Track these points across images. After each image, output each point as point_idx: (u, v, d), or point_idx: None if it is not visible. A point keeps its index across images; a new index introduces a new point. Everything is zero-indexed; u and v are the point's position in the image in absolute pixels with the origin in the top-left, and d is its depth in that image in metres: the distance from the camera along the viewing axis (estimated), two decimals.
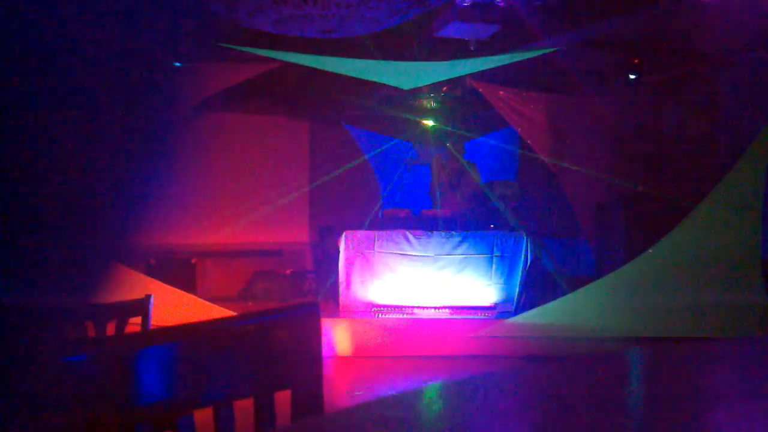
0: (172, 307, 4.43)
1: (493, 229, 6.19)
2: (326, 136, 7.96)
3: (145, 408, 0.92)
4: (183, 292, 5.10)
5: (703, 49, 5.86)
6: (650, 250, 4.93)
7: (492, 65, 6.05)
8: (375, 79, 6.24)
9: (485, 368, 4.52)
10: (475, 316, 5.51)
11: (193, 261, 7.02)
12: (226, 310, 4.84)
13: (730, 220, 4.83)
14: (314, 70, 5.96)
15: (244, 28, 4.88)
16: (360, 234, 5.84)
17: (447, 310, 5.66)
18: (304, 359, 1.03)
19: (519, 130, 7.34)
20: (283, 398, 1.00)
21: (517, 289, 5.73)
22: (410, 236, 5.81)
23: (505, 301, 5.71)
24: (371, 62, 5.68)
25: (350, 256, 5.76)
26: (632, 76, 6.64)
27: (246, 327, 1.03)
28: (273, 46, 5.43)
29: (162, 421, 0.94)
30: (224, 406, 0.96)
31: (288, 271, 7.18)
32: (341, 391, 4.36)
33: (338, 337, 5.04)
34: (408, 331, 5.19)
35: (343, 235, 5.80)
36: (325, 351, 4.83)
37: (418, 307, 5.68)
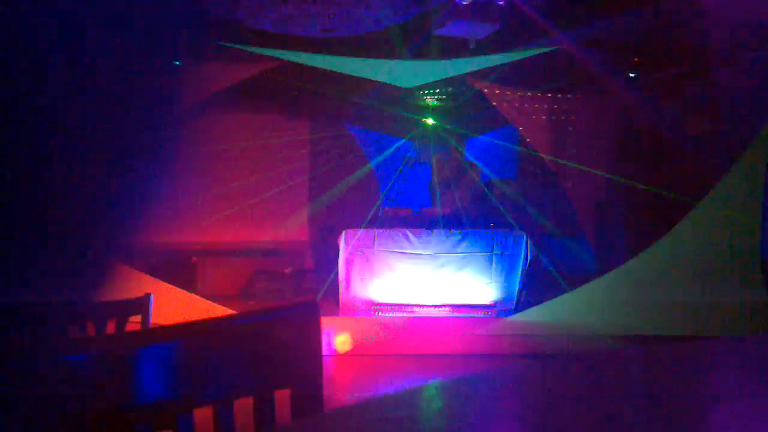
0: (172, 305, 4.43)
1: (493, 227, 6.18)
2: (326, 135, 7.96)
3: (145, 406, 0.92)
4: (183, 291, 5.10)
5: (703, 49, 5.86)
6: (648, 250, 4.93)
7: (491, 64, 6.05)
8: (375, 78, 6.24)
9: (485, 366, 4.52)
10: (475, 315, 5.51)
11: (193, 260, 7.02)
12: (226, 309, 4.84)
13: (730, 220, 4.83)
14: (314, 69, 5.96)
15: (245, 27, 4.88)
16: (360, 232, 5.84)
17: (447, 308, 5.67)
18: (304, 358, 1.03)
19: (519, 128, 7.34)
20: (282, 397, 1.00)
21: (517, 288, 5.73)
22: (410, 234, 5.81)
23: (505, 299, 5.71)
24: (371, 61, 5.68)
25: (350, 254, 5.76)
26: (632, 75, 6.64)
27: (246, 325, 1.03)
28: (273, 46, 5.43)
29: (162, 419, 0.94)
30: (224, 405, 0.96)
31: (288, 270, 7.18)
32: (341, 389, 4.36)
33: (338, 335, 5.04)
34: (408, 329, 5.20)
35: (343, 234, 5.80)
36: (324, 349, 4.83)
37: (418, 306, 5.68)
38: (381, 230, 5.91)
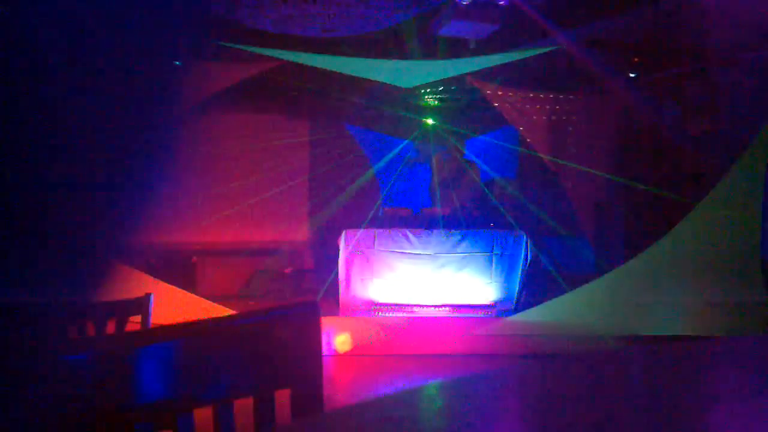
0: (172, 305, 4.43)
1: (492, 227, 6.18)
2: (326, 135, 7.96)
3: (145, 407, 0.92)
4: (183, 291, 5.10)
5: (703, 49, 5.86)
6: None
7: (492, 64, 6.05)
8: (375, 78, 6.24)
9: (485, 366, 4.52)
10: (475, 315, 5.51)
11: (193, 259, 7.02)
12: (226, 309, 4.85)
13: (730, 220, 4.83)
14: (314, 69, 5.96)
15: (245, 27, 4.88)
16: (360, 232, 5.84)
17: (447, 308, 5.67)
18: (304, 357, 1.03)
19: (519, 128, 7.35)
20: (282, 397, 1.00)
21: (517, 288, 5.73)
22: (410, 234, 5.81)
23: (505, 299, 5.71)
24: (371, 61, 5.68)
25: (350, 254, 5.76)
26: (632, 75, 6.64)
27: (246, 325, 1.03)
28: (273, 46, 5.43)
29: (162, 419, 0.94)
30: (224, 405, 0.96)
31: (288, 270, 7.18)
32: (341, 390, 4.36)
33: (338, 335, 5.04)
34: (408, 329, 5.20)
35: (343, 234, 5.80)
36: (324, 349, 4.84)
37: (418, 306, 5.68)
38: (381, 230, 5.91)
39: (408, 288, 5.71)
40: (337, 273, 5.81)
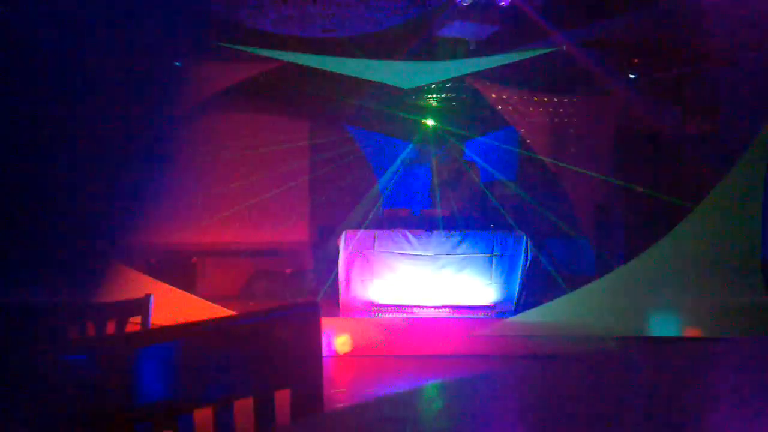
0: (172, 306, 4.43)
1: (492, 228, 6.18)
2: (326, 136, 7.96)
3: (145, 407, 0.92)
4: (183, 292, 5.10)
5: (703, 49, 5.86)
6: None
7: (492, 65, 6.05)
8: (375, 78, 6.24)
9: (485, 367, 4.52)
10: (475, 316, 5.51)
11: (193, 260, 7.02)
12: (226, 310, 4.84)
13: (730, 220, 4.83)
14: (314, 70, 5.96)
15: (245, 27, 4.89)
16: (360, 233, 5.84)
17: (447, 309, 5.66)
18: (304, 358, 1.03)
19: (520, 130, 7.34)
20: (282, 397, 1.00)
21: (517, 289, 5.73)
22: (410, 236, 5.81)
23: (505, 300, 5.71)
24: (371, 62, 5.68)
25: (350, 255, 5.76)
26: (632, 76, 6.64)
27: (246, 326, 1.03)
28: (273, 46, 5.44)
29: (162, 420, 0.94)
30: (224, 406, 0.96)
31: (288, 271, 7.18)
32: (341, 390, 4.35)
33: (338, 336, 5.04)
34: (408, 330, 5.19)
35: (343, 235, 5.80)
36: (324, 350, 4.84)
37: (418, 307, 5.68)
38: (381, 231, 5.91)
39: (408, 289, 5.71)
40: (337, 274, 5.81)
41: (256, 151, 7.35)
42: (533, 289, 5.88)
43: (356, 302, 5.70)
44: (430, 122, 8.09)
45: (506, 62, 5.91)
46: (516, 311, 5.52)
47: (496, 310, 5.64)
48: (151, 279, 4.90)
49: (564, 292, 5.23)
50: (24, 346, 0.93)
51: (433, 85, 7.19)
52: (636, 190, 6.35)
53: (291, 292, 6.78)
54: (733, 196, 4.80)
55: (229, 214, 6.94)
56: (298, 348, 1.03)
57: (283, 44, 5.55)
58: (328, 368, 4.70)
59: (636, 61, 6.49)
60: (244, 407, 0.99)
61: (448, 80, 6.88)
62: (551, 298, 5.21)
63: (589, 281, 5.19)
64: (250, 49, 5.38)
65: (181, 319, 1.03)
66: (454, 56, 5.87)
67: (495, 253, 5.76)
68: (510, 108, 7.14)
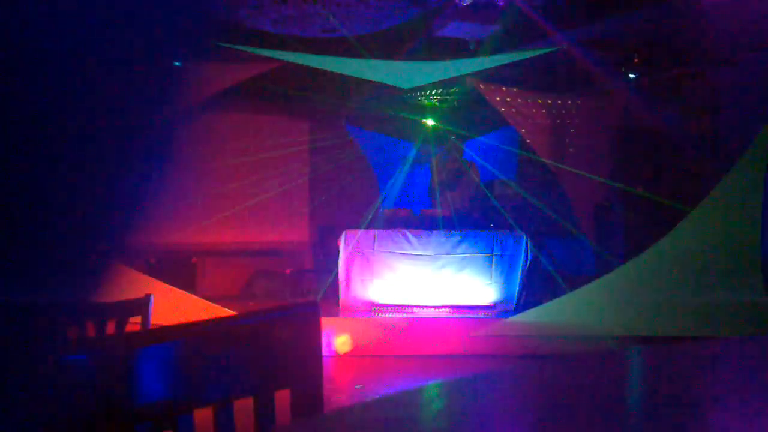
0: (172, 306, 4.43)
1: (492, 228, 6.18)
2: (326, 136, 7.96)
3: (145, 407, 0.92)
4: (183, 292, 5.10)
5: (703, 49, 5.86)
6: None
7: (491, 65, 6.05)
8: (375, 78, 6.24)
9: (485, 367, 4.51)
10: (475, 315, 5.51)
11: (193, 260, 7.02)
12: (226, 310, 4.85)
13: (730, 220, 4.83)
14: (314, 70, 5.96)
15: (245, 27, 4.88)
16: (360, 233, 5.84)
17: (447, 309, 5.67)
18: (304, 358, 1.03)
19: (520, 130, 7.34)
20: (282, 397, 1.00)
21: (517, 288, 5.73)
22: (410, 235, 5.81)
23: (505, 300, 5.71)
24: (371, 62, 5.68)
25: (350, 255, 5.76)
26: (632, 76, 6.64)
27: (246, 326, 1.03)
28: (273, 46, 5.44)
29: (162, 420, 0.94)
30: (224, 406, 0.96)
31: (288, 271, 7.18)
32: (341, 390, 4.36)
33: (338, 336, 5.04)
34: (408, 330, 5.19)
35: (343, 235, 5.80)
36: (324, 350, 4.84)
37: (418, 306, 5.68)
38: (381, 231, 5.91)
39: (408, 289, 5.71)
40: (337, 274, 5.81)
41: (256, 151, 7.35)
42: (533, 289, 5.88)
43: (356, 302, 5.70)
44: (430, 122, 8.09)
45: (506, 62, 5.91)
46: (516, 311, 5.51)
47: (496, 310, 5.64)
48: (151, 279, 4.91)
49: (564, 292, 5.23)
50: (24, 346, 0.93)
51: (432, 85, 7.18)
52: (636, 190, 6.35)
53: (291, 292, 6.78)
54: (733, 196, 4.79)
55: (229, 214, 6.94)
56: (298, 348, 1.03)
57: (283, 44, 5.55)
58: (328, 368, 4.70)
59: (636, 61, 6.48)
60: (244, 407, 0.99)
61: (448, 80, 6.88)
62: (551, 298, 5.21)
63: (589, 281, 5.19)
64: (250, 49, 5.38)
65: (181, 319, 1.03)
66: (453, 56, 5.86)
67: (495, 253, 5.76)
68: (510, 108, 7.14)
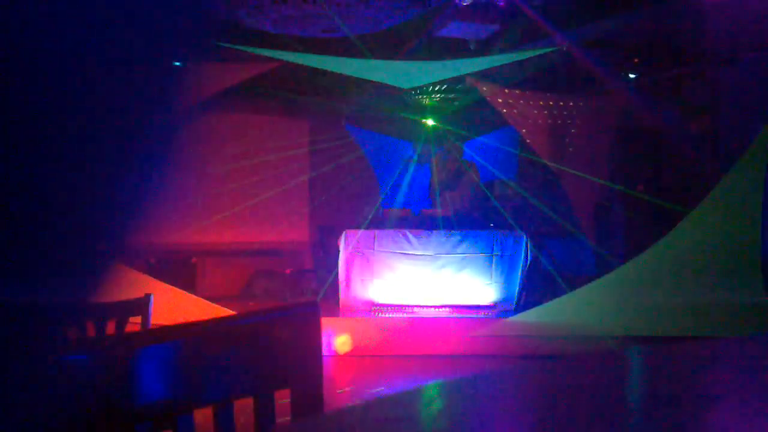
0: (172, 306, 4.43)
1: (492, 228, 6.18)
2: (326, 136, 7.96)
3: (145, 407, 0.92)
4: (183, 292, 5.10)
5: (703, 49, 5.86)
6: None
7: (492, 65, 6.06)
8: (375, 78, 6.25)
9: (485, 367, 4.51)
10: (475, 315, 5.51)
11: (193, 260, 7.02)
12: (226, 309, 4.85)
13: (730, 220, 4.83)
14: (314, 70, 5.96)
15: (245, 27, 4.88)
16: (360, 233, 5.84)
17: (447, 309, 5.66)
18: (304, 358, 1.03)
19: (521, 130, 7.34)
20: (282, 397, 1.00)
21: (517, 288, 5.73)
22: (410, 235, 5.80)
23: (505, 300, 5.71)
24: (371, 62, 5.69)
25: (350, 255, 5.76)
26: (632, 76, 6.64)
27: (246, 326, 1.03)
28: (273, 46, 5.43)
29: (162, 420, 0.94)
30: (224, 406, 0.96)
31: (288, 270, 7.18)
32: (341, 390, 4.36)
33: (338, 336, 5.04)
34: (408, 330, 5.19)
35: (343, 235, 5.80)
36: (324, 350, 4.84)
37: (418, 306, 5.68)
38: (381, 231, 5.91)
39: (408, 289, 5.71)
40: (337, 273, 5.80)
41: (256, 151, 7.35)
42: (533, 289, 5.88)
43: (356, 302, 5.70)
44: (430, 122, 8.09)
45: (506, 62, 5.91)
46: (516, 311, 5.52)
47: (496, 310, 5.64)
48: (151, 279, 4.91)
49: (564, 292, 5.23)
50: (24, 346, 0.93)
51: (433, 85, 7.18)
52: (636, 191, 6.36)
53: (291, 292, 6.78)
54: (733, 196, 4.80)
55: (229, 214, 6.94)
56: (298, 348, 1.03)
57: (283, 44, 5.55)
58: (328, 368, 4.70)
59: (636, 61, 6.49)
60: (244, 407, 0.99)
61: (448, 80, 6.88)
62: (551, 298, 5.21)
63: (589, 281, 5.19)
64: (250, 49, 5.38)
65: (181, 319, 1.03)
66: (453, 56, 5.87)
67: (495, 253, 5.76)
68: (510, 108, 7.14)
